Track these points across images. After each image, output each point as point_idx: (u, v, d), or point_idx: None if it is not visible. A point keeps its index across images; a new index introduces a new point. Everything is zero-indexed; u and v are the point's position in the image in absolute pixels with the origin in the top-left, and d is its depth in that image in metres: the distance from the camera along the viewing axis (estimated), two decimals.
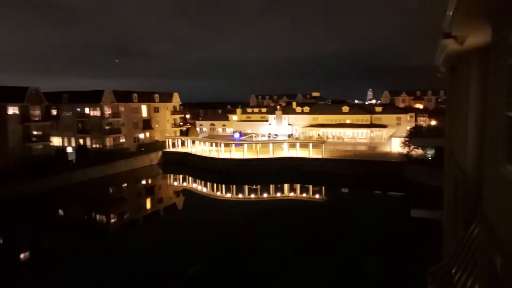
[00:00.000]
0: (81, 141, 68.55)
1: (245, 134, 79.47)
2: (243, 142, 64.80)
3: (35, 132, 57.41)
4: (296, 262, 25.99)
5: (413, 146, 49.08)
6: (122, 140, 70.14)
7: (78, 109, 69.52)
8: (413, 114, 74.95)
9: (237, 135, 75.44)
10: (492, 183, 5.54)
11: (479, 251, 6.52)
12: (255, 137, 76.57)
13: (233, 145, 63.00)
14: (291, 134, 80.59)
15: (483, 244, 6.07)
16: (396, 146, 57.57)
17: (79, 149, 60.17)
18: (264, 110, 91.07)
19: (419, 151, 49.08)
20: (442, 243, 16.92)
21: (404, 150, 51.55)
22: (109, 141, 67.54)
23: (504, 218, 4.89)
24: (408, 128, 55.59)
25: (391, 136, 64.58)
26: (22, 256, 30.55)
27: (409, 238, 28.74)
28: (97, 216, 43.00)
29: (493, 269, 5.07)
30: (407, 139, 50.70)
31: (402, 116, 74.87)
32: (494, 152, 5.49)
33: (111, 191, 54.32)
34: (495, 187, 5.35)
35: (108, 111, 68.04)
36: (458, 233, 10.54)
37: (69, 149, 67.20)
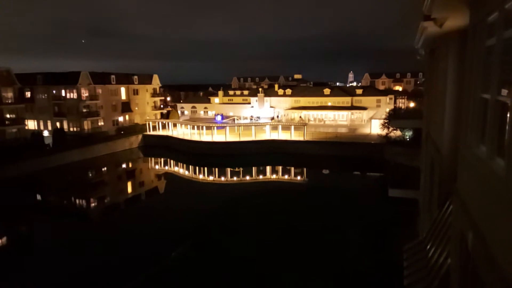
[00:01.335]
0: (57, 124, 66.45)
1: (227, 117, 79.01)
2: (225, 125, 64.46)
3: (8, 115, 55.33)
4: (277, 242, 26.49)
5: (392, 128, 50.21)
6: (101, 123, 68.45)
7: (54, 91, 67.10)
8: (392, 96, 76.14)
9: (219, 117, 74.87)
10: (466, 163, 5.73)
11: (453, 228, 6.80)
12: (237, 119, 76.25)
13: (215, 128, 62.60)
14: (274, 117, 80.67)
15: (456, 221, 6.32)
16: (375, 128, 58.61)
17: (55, 132, 58.37)
18: (246, 92, 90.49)
19: (398, 133, 50.30)
20: (418, 221, 17.57)
21: (383, 132, 52.66)
22: (87, 124, 65.83)
23: (476, 196, 5.10)
24: (388, 110, 56.49)
25: (371, 118, 65.60)
26: None
27: (386, 216, 29.69)
28: (76, 201, 42.27)
29: (465, 244, 5.32)
30: (386, 121, 51.70)
31: (382, 98, 76.01)
32: (469, 133, 5.66)
33: (90, 175, 53.31)
34: (469, 167, 5.54)
35: (85, 93, 65.98)
36: (433, 211, 10.94)
37: (46, 133, 65.20)
